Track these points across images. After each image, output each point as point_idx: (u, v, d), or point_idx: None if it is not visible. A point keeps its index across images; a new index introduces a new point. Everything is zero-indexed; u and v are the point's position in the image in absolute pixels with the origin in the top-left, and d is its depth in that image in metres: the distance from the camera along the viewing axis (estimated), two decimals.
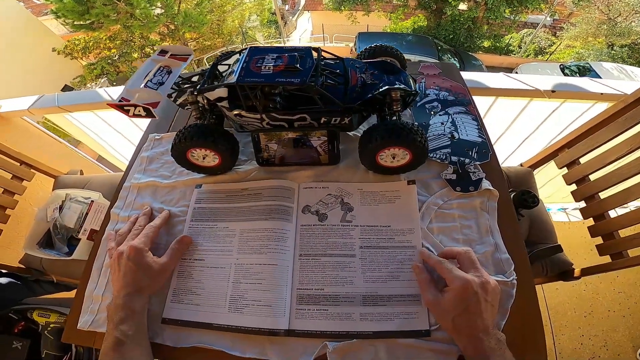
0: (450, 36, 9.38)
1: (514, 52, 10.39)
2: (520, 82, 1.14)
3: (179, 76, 0.62)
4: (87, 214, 0.99)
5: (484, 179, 0.66)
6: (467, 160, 0.69)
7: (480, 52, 9.69)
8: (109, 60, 9.63)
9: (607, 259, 0.84)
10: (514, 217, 0.63)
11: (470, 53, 8.81)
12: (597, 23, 9.28)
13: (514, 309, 0.53)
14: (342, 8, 8.99)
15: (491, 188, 0.64)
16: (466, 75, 0.96)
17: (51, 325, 0.84)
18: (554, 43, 10.61)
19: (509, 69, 9.24)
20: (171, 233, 0.65)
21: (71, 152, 1.63)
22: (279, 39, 12.60)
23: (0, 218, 1.08)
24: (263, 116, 0.60)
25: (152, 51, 10.22)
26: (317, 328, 0.53)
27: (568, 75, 7.66)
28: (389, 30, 10.10)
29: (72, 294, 1.08)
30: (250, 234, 0.62)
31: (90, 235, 0.96)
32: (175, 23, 9.56)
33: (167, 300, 0.58)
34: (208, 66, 0.68)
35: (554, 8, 9.21)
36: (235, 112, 0.61)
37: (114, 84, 10.07)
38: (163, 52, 0.66)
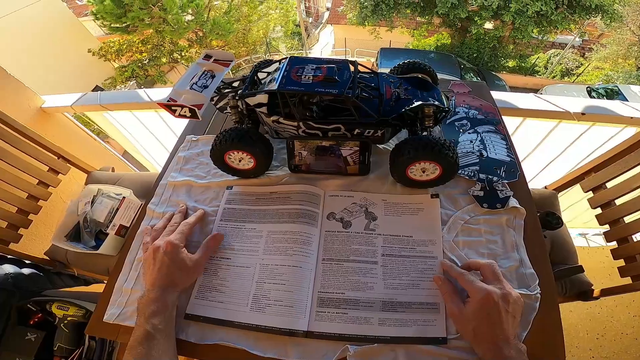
0: (474, 55, 9.27)
1: (539, 73, 10.19)
2: (550, 104, 1.13)
3: (221, 80, 0.66)
4: (117, 209, 1.02)
5: (511, 197, 0.66)
6: (495, 179, 0.69)
7: (504, 72, 9.52)
8: (139, 64, 9.98)
9: (627, 280, 0.85)
10: (541, 234, 0.64)
11: (493, 73, 8.66)
12: (628, 44, 9.09)
13: (537, 321, 0.53)
14: (366, 23, 9.01)
15: (518, 206, 0.65)
16: (496, 94, 0.97)
17: (68, 319, 0.84)
18: (581, 64, 10.34)
19: (534, 90, 9.04)
20: (204, 231, 0.68)
21: (103, 149, 1.69)
22: (301, 51, 12.82)
23: (32, 208, 1.13)
24: (300, 124, 0.63)
25: (179, 56, 10.58)
26: (336, 330, 0.54)
27: (595, 98, 7.50)
28: (411, 47, 10.10)
29: (90, 288, 1.13)
30: (277, 236, 0.64)
31: (118, 230, 0.99)
32: (204, 30, 9.89)
33: (192, 297, 0.60)
34: (231, 75, 0.71)
35: (584, 28, 8.96)
36: (274, 119, 0.64)
37: (142, 87, 10.43)
38: (207, 56, 0.70)
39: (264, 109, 0.64)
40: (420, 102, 0.61)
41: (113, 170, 1.31)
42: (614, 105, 1.17)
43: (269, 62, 0.72)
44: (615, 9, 7.61)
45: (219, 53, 0.71)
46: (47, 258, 1.09)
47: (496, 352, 0.46)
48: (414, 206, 0.67)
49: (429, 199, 0.67)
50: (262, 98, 0.63)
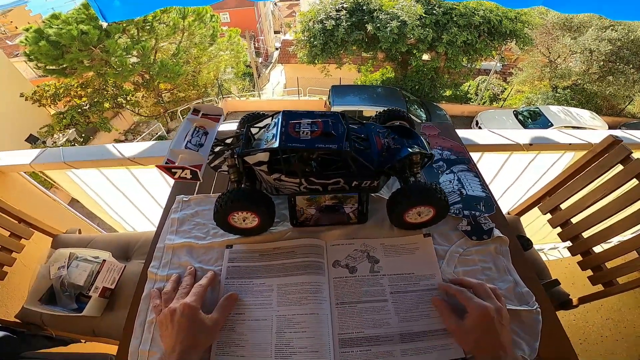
0: (416, 87, 10.06)
1: (472, 100, 11.25)
2: (503, 137, 1.28)
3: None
4: (98, 272, 0.98)
5: (494, 228, 0.75)
6: (477, 213, 0.77)
7: (443, 101, 10.41)
8: (79, 110, 9.36)
9: (599, 287, 0.96)
10: (524, 257, 0.73)
11: (435, 103, 9.45)
12: (541, 66, 10.29)
13: (542, 331, 0.61)
14: (316, 61, 9.43)
15: (502, 235, 0.74)
16: (460, 133, 1.07)
17: None
18: (505, 89, 11.61)
19: (470, 117, 9.95)
20: (215, 290, 0.67)
21: (63, 208, 1.57)
22: (253, 92, 12.96)
23: None
24: (302, 180, 0.65)
25: (124, 101, 10.13)
26: None
27: (521, 121, 8.37)
28: (359, 83, 10.64)
29: (69, 348, 1.09)
30: (288, 288, 0.65)
31: (102, 292, 0.97)
32: (151, 73, 9.59)
33: (212, 353, 0.59)
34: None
35: (502, 54, 10.11)
36: (275, 176, 0.66)
37: (83, 135, 9.77)
38: (196, 111, 0.71)
39: (264, 167, 0.65)
40: (409, 151, 0.67)
41: (80, 232, 1.23)
42: (554, 135, 1.35)
43: (260, 117, 0.74)
44: (526, 33, 8.89)
45: (207, 107, 0.71)
46: (19, 321, 1.03)
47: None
48: (410, 246, 0.72)
49: (422, 238, 0.73)
50: (263, 156, 0.64)
